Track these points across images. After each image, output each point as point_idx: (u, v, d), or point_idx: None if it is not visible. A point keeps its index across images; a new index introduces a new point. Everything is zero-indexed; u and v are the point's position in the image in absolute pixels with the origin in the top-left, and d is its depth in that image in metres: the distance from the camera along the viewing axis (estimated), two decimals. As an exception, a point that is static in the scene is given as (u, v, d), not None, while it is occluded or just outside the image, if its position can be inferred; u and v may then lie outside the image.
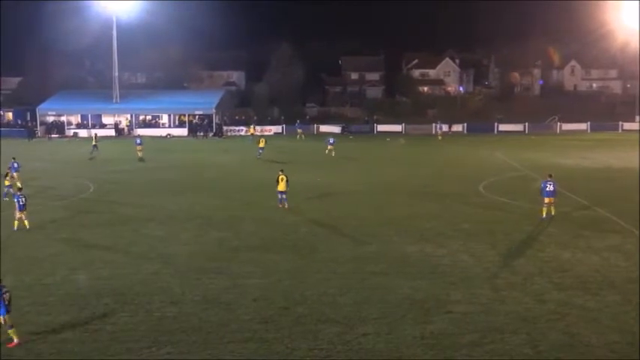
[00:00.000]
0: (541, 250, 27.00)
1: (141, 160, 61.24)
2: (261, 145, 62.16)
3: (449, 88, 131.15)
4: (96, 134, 71.47)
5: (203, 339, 18.01)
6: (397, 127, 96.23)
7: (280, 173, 35.90)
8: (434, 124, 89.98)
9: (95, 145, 63.20)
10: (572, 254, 26.22)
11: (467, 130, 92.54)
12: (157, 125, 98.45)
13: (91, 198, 40.99)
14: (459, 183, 45.29)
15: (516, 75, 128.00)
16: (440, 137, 78.79)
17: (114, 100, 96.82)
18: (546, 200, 33.00)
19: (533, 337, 17.90)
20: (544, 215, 32.80)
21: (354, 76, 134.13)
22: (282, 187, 35.54)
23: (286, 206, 35.63)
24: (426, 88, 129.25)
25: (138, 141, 65.54)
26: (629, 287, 22.04)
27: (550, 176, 33.82)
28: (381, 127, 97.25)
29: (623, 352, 17.02)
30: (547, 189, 32.98)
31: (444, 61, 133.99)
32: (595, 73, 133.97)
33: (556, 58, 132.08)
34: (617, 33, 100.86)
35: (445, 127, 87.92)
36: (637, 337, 17.76)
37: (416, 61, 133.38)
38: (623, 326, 18.60)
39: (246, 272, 24.06)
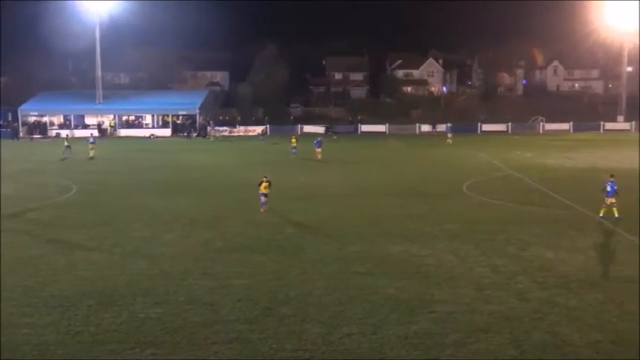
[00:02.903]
0: (525, 249, 27.13)
1: (91, 158, 61.92)
2: (294, 143, 62.55)
3: (432, 89, 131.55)
4: (67, 135, 71.96)
5: (187, 340, 17.94)
6: (381, 128, 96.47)
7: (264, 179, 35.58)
8: (443, 127, 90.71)
9: (68, 146, 63.34)
10: (556, 253, 26.36)
11: (450, 131, 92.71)
12: (140, 126, 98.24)
13: (74, 199, 40.74)
14: (443, 183, 45.44)
15: (504, 75, 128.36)
16: (449, 140, 78.01)
17: (97, 101, 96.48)
18: (608, 201, 32.83)
19: (516, 336, 17.97)
20: (601, 214, 32.85)
21: (338, 76, 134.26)
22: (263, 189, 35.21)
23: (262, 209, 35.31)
24: (409, 89, 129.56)
25: (91, 140, 66.91)
26: (612, 286, 22.24)
27: (612, 176, 33.64)
28: (365, 128, 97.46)
29: (606, 351, 17.12)
30: (606, 189, 32.88)
31: (427, 62, 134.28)
32: (577, 73, 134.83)
33: (539, 59, 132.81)
34: (599, 33, 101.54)
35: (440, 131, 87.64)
36: (619, 336, 17.90)
37: (400, 61, 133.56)
38: (605, 325, 18.73)
39: (231, 273, 24.01)
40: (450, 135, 79.04)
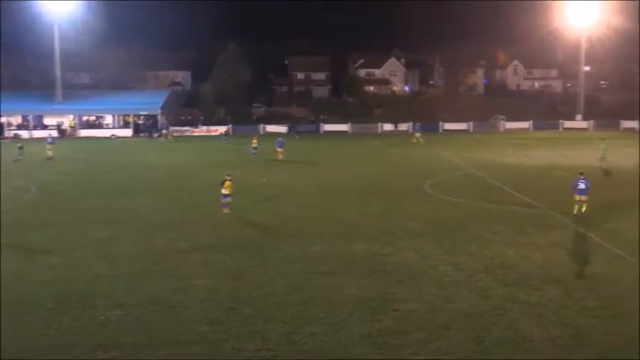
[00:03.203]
0: (486, 247, 27.36)
1: (49, 159, 61.35)
2: (255, 144, 61.81)
3: (395, 88, 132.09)
4: (20, 135, 71.00)
5: (149, 341, 17.79)
6: (344, 127, 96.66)
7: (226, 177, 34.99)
8: (405, 125, 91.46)
9: (21, 147, 62.54)
10: (516, 251, 26.66)
11: (412, 129, 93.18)
12: (100, 126, 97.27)
13: (33, 200, 40.19)
14: (406, 182, 45.67)
15: (473, 73, 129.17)
16: (415, 140, 77.68)
17: (56, 101, 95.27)
18: (577, 198, 32.85)
19: (478, 333, 18.12)
20: (575, 212, 32.75)
21: (301, 75, 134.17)
22: (225, 189, 34.59)
23: (225, 211, 34.68)
24: (372, 88, 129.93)
25: (49, 140, 66.55)
26: (571, 281, 22.56)
27: (581, 174, 33.67)
28: (328, 127, 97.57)
29: (565, 345, 17.37)
30: (578, 187, 32.85)
31: (389, 61, 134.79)
32: (537, 72, 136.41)
33: (500, 58, 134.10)
34: (557, 33, 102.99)
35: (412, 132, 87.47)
36: (578, 331, 18.18)
37: (362, 60, 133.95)
38: (564, 320, 19.00)
39: (193, 273, 23.87)
40: (417, 134, 78.97)
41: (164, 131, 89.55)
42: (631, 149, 64.31)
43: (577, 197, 32.91)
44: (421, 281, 22.71)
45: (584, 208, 32.72)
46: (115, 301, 20.91)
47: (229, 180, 34.73)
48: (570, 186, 33.82)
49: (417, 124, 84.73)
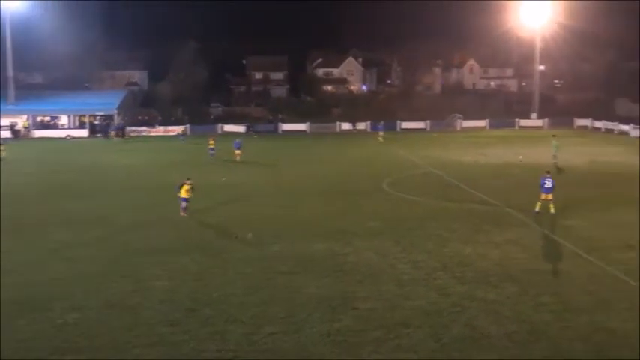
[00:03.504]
0: (444, 245, 27.66)
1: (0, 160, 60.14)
2: (212, 145, 61.42)
3: (352, 87, 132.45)
4: None
5: (108, 344, 17.64)
6: (302, 127, 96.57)
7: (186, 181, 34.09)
8: (368, 124, 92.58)
9: None
10: (474, 249, 26.98)
11: (370, 129, 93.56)
12: (55, 127, 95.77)
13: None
14: (364, 181, 45.86)
15: (433, 71, 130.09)
16: (380, 139, 77.56)
17: (9, 101, 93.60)
18: (543, 197, 33.07)
19: (436, 330, 18.33)
20: (537, 209, 33.02)
21: (259, 75, 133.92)
22: (184, 193, 33.70)
23: (182, 214, 33.91)
24: (330, 87, 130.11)
25: None
26: (528, 278, 22.89)
27: (547, 173, 33.96)
28: (286, 127, 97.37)
29: (521, 340, 17.65)
30: (545, 186, 33.04)
31: (347, 60, 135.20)
32: (492, 71, 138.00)
33: (457, 57, 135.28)
34: (512, 32, 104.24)
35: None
36: (534, 327, 18.49)
37: (320, 60, 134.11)
38: (521, 316, 19.31)
39: (152, 275, 23.72)
40: (381, 133, 79.23)
41: (112, 133, 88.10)
42: (583, 147, 65.76)
43: (543, 196, 33.21)
44: (380, 280, 22.88)
45: (552, 210, 32.88)
46: (73, 303, 20.69)
47: (189, 184, 34.04)
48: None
49: (381, 123, 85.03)
